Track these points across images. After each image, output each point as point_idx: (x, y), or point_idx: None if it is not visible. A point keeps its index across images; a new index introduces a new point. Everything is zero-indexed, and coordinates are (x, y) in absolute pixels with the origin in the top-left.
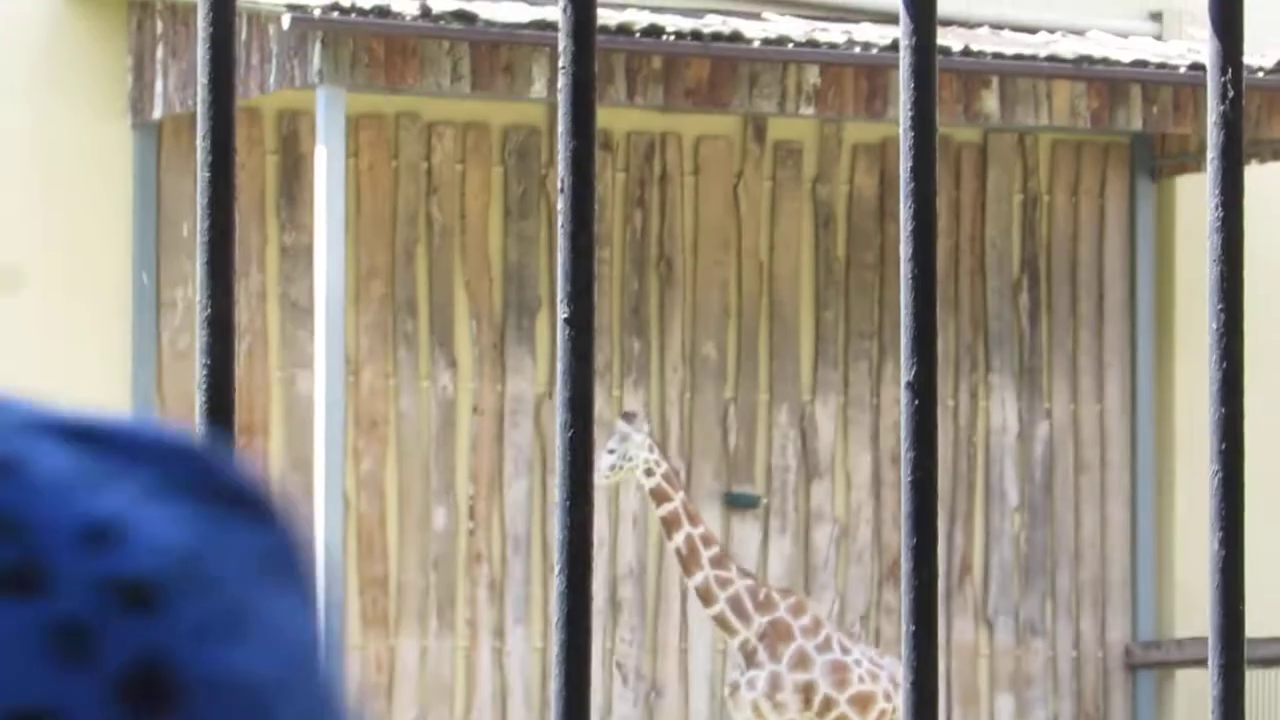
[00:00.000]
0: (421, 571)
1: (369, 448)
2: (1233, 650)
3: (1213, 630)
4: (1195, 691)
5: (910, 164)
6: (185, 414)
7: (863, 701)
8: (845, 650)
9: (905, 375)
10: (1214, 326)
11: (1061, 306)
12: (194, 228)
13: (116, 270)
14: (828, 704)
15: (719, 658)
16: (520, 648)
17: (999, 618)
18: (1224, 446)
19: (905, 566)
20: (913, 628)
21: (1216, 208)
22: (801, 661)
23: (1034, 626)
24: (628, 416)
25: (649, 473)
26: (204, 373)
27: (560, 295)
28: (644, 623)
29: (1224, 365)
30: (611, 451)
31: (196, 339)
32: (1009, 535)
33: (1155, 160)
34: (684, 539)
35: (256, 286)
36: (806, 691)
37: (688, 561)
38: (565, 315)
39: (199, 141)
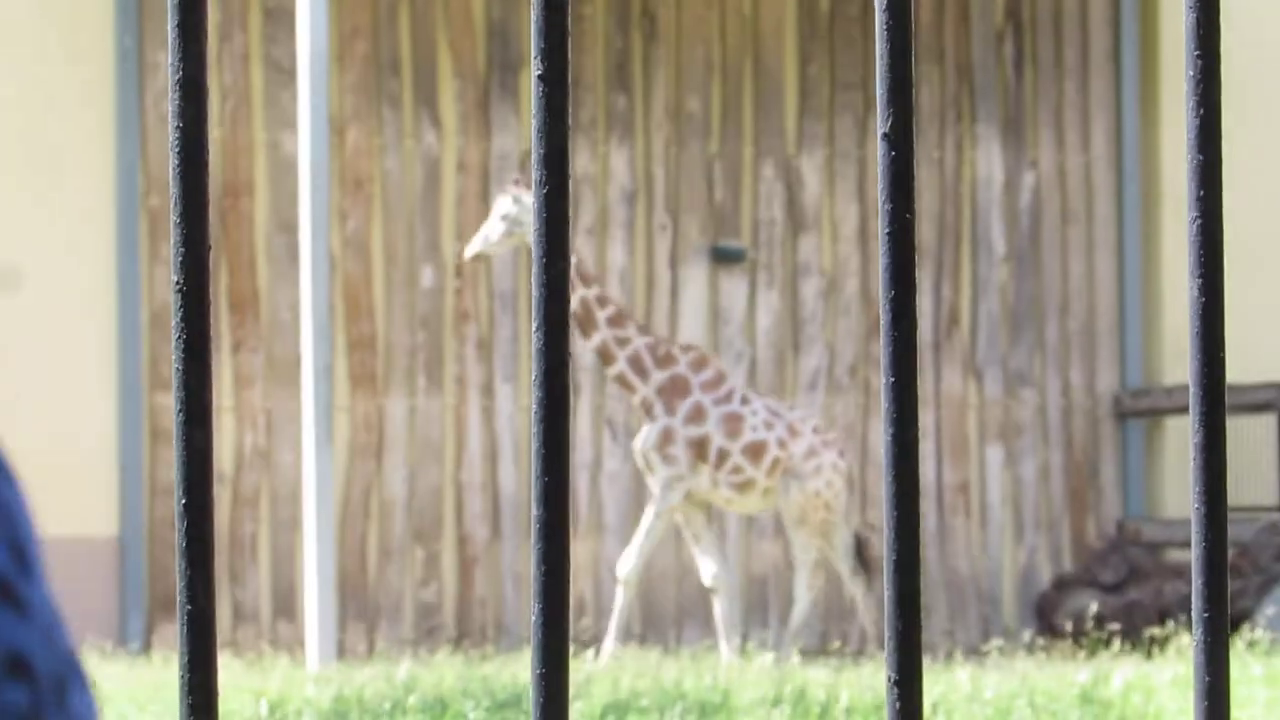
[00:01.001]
0: (409, 330)
1: (354, 208)
2: (1213, 396)
3: (1193, 377)
4: (1185, 439)
5: None
6: (169, 178)
7: (754, 450)
8: (745, 402)
9: (881, 126)
10: (1190, 74)
11: (1046, 57)
12: None
13: (99, 35)
14: (722, 456)
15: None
16: (508, 405)
17: (987, 368)
18: (1202, 193)
19: (884, 319)
20: (892, 379)
21: None
22: (696, 415)
23: (1022, 376)
24: (516, 181)
25: None
26: (176, 135)
27: (534, 51)
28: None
29: (1201, 112)
30: (504, 217)
31: (168, 102)
32: (996, 286)
33: None
34: (578, 301)
35: (239, 48)
36: (700, 445)
37: (584, 323)
38: (539, 72)
39: None
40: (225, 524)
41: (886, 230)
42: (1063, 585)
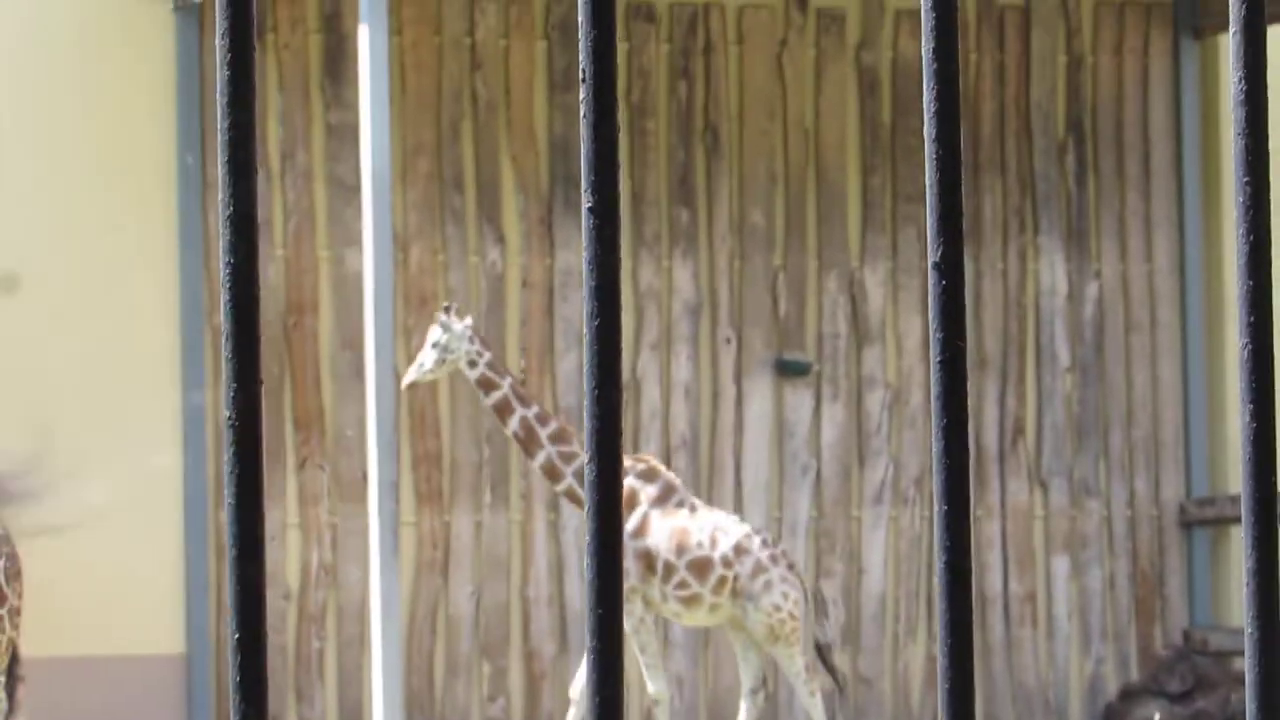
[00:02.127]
0: (475, 446)
1: (419, 325)
2: (1266, 521)
3: (1245, 501)
4: None
5: (932, 44)
6: None
7: (699, 567)
8: (693, 514)
9: (932, 256)
10: (1240, 200)
11: (1108, 167)
12: None
13: (160, 152)
14: (668, 569)
15: (774, 525)
16: (574, 520)
17: (1053, 479)
18: (1252, 319)
19: (936, 447)
20: (945, 508)
21: (1240, 81)
22: (643, 528)
23: (1088, 487)
24: (447, 309)
25: (472, 363)
26: (227, 271)
27: (584, 184)
28: (698, 493)
29: (1250, 238)
30: (435, 345)
31: (220, 237)
32: (1061, 396)
33: (1198, 19)
34: (519, 422)
35: (303, 166)
36: (647, 557)
37: (527, 443)
38: (589, 205)
39: (218, 40)
40: (291, 641)
41: (938, 359)
42: (1129, 695)
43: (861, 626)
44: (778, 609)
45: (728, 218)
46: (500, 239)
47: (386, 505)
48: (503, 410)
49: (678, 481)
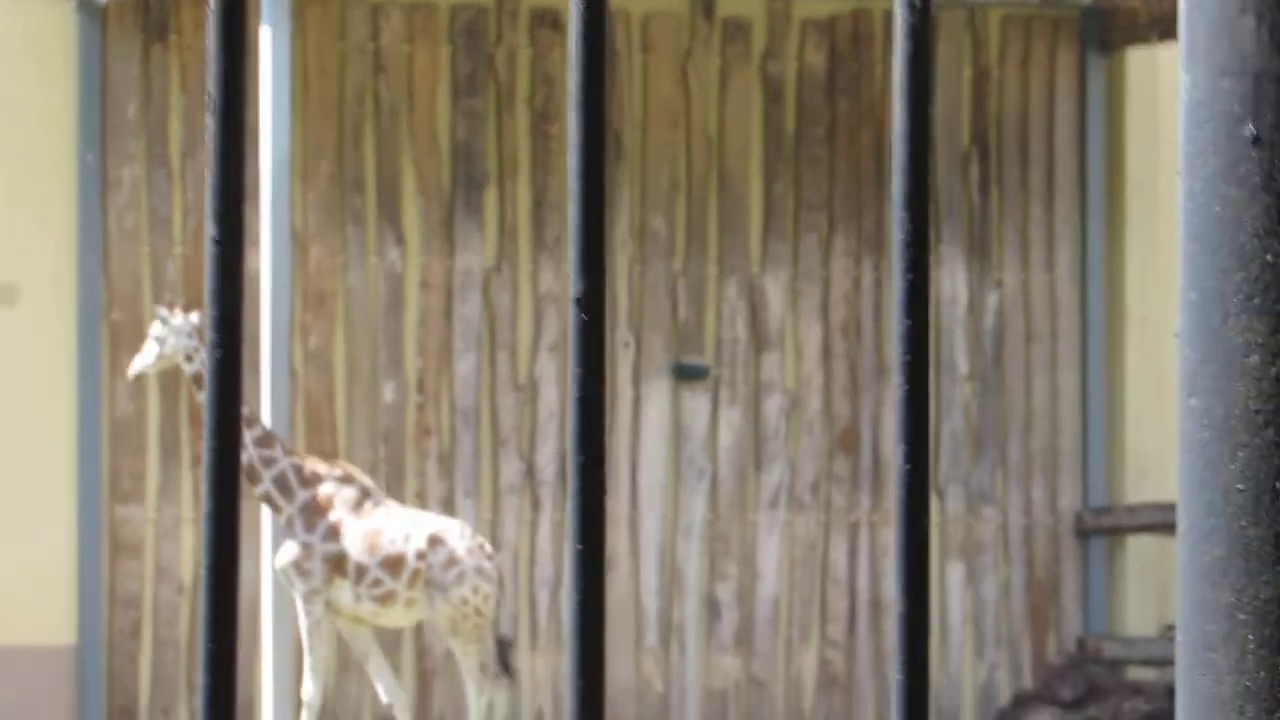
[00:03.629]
0: (371, 445)
1: (316, 324)
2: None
3: (902, 524)
4: (1147, 558)
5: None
6: (131, 292)
7: (393, 563)
8: (388, 515)
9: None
10: (899, 236)
11: (1012, 179)
12: (140, 108)
13: (61, 150)
14: (360, 570)
15: (669, 528)
16: (469, 520)
17: (950, 486)
18: (909, 359)
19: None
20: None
21: (903, 107)
22: (334, 532)
23: (985, 494)
24: (170, 304)
25: (189, 358)
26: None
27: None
28: None
29: (909, 277)
30: (158, 340)
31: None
32: (960, 404)
33: (1105, 34)
34: None
35: (201, 165)
36: (338, 560)
37: None
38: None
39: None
40: (184, 636)
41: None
42: (1022, 702)
43: (755, 630)
44: (465, 602)
45: (629, 223)
46: (400, 240)
47: None
48: None
49: (373, 485)
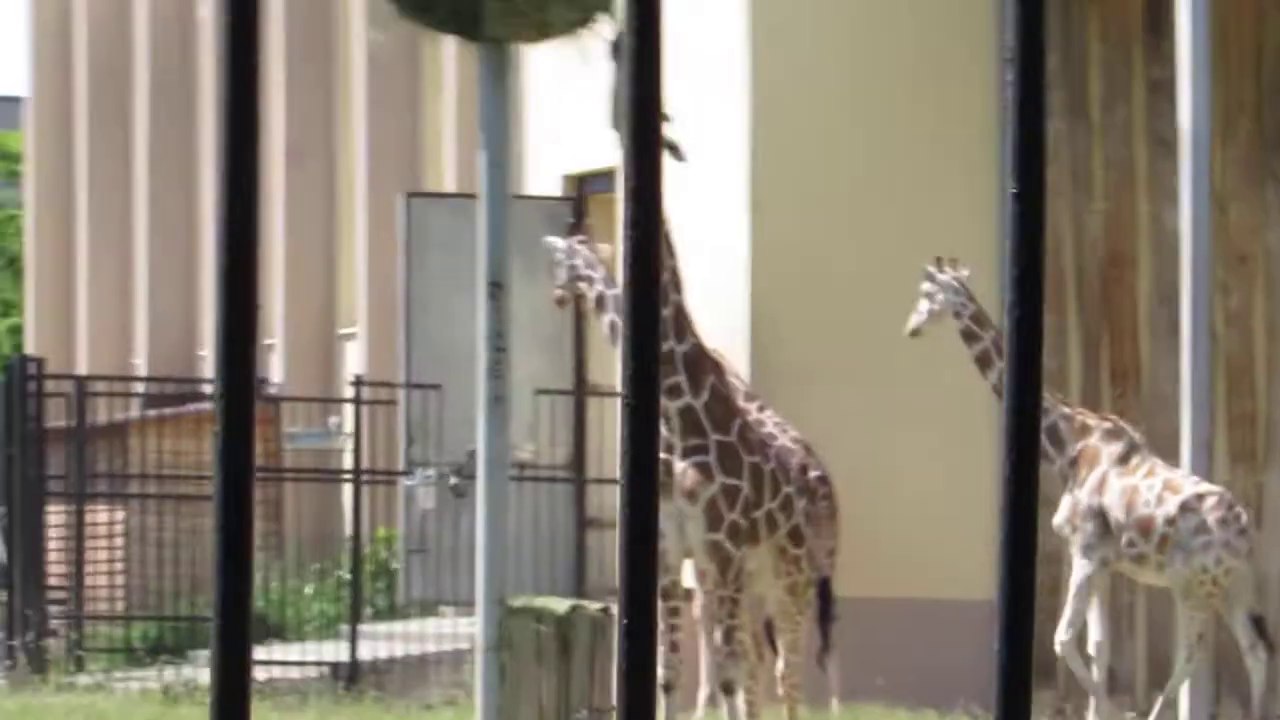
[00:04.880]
0: None
1: (1237, 284)
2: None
3: None
4: None
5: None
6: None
7: (1143, 526)
8: (1150, 474)
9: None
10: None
11: None
12: (1060, 60)
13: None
14: (1118, 528)
15: None
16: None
17: None
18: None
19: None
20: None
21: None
22: (1098, 487)
23: None
24: (939, 261)
25: (957, 314)
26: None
27: None
28: None
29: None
30: (928, 296)
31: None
32: None
33: None
34: (997, 375)
35: (1122, 120)
36: (1101, 515)
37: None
38: None
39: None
40: None
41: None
42: None
43: None
44: (1205, 570)
45: None
46: None
47: (1199, 463)
48: (983, 363)
49: (1141, 440)
